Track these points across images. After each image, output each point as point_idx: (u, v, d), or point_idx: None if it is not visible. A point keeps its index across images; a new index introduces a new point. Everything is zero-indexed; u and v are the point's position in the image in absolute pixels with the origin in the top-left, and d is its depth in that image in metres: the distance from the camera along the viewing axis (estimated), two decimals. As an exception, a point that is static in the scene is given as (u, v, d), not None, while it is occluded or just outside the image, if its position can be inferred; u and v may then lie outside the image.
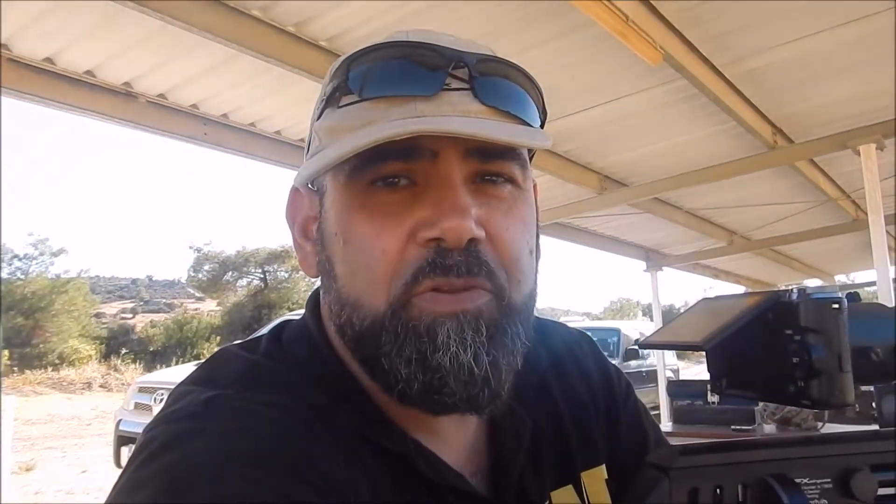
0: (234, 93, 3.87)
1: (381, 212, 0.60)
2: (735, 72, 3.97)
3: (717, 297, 0.55)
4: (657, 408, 10.57)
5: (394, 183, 0.60)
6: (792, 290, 0.46)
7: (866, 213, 4.85)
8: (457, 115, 0.59)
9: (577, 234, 7.48)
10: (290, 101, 3.92)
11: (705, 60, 3.77)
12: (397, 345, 0.59)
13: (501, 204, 0.63)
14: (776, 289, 0.48)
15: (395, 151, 0.58)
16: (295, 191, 0.72)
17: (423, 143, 0.59)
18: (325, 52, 3.37)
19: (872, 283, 6.05)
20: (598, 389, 0.81)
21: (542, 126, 0.67)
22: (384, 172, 0.60)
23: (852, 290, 0.52)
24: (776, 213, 7.08)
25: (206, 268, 29.99)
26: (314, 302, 0.72)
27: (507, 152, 0.63)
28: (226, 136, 4.23)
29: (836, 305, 0.46)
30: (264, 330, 0.84)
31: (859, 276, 15.43)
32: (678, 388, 4.51)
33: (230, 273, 29.92)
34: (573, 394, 0.78)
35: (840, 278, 14.75)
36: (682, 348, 0.49)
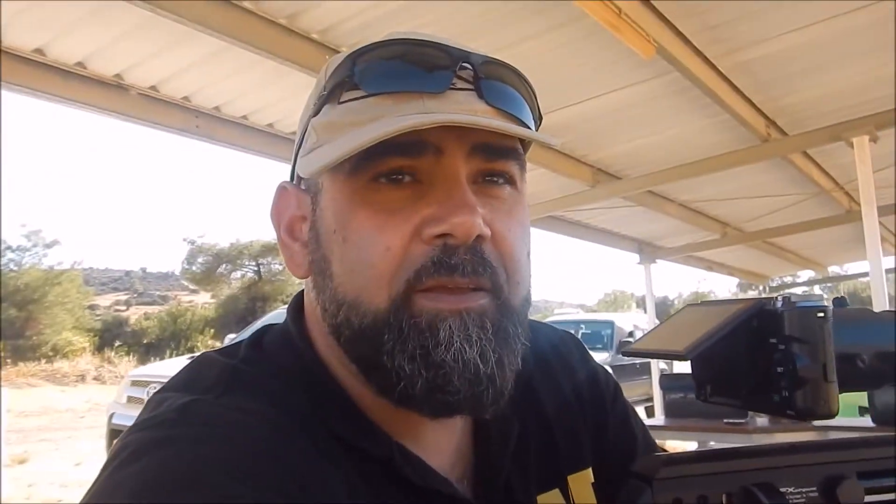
0: (225, 85, 3.85)
1: (386, 208, 0.59)
2: (728, 64, 3.96)
3: (703, 304, 0.55)
4: (650, 399, 10.63)
5: (397, 179, 0.60)
6: (776, 297, 0.46)
7: (859, 205, 4.87)
8: (465, 113, 0.59)
9: (571, 227, 7.48)
10: (282, 93, 3.90)
11: (698, 53, 3.76)
12: (400, 341, 0.58)
13: (502, 205, 0.63)
14: (761, 296, 0.48)
15: (400, 147, 0.58)
16: (282, 189, 0.71)
17: (428, 139, 0.58)
18: (316, 44, 3.36)
19: (865, 274, 6.09)
20: (584, 391, 0.80)
21: (537, 128, 0.68)
22: (388, 168, 0.59)
23: (839, 296, 0.51)
24: (769, 205, 7.09)
25: (200, 260, 29.94)
26: (296, 306, 0.71)
27: (511, 152, 0.63)
28: (218, 129, 4.22)
29: (821, 314, 0.46)
30: (254, 326, 0.82)
31: (852, 267, 15.49)
32: (671, 382, 4.51)
33: (224, 265, 29.87)
34: (559, 395, 0.78)
35: (834, 269, 14.82)
36: (665, 357, 0.49)
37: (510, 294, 0.61)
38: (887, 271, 7.91)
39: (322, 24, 3.28)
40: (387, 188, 0.60)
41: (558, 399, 0.78)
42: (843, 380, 0.48)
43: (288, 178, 0.73)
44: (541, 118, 0.68)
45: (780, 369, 0.45)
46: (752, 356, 0.48)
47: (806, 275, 16.48)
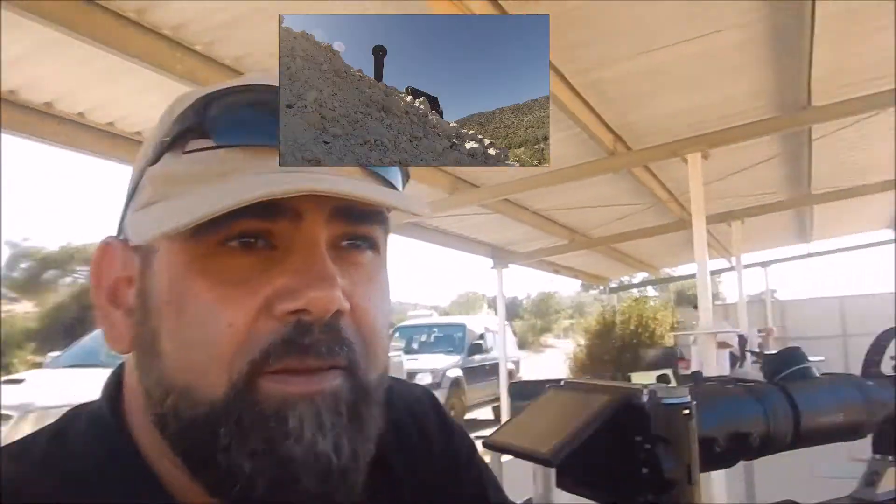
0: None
1: (232, 278, 0.51)
2: (581, 81, 4.14)
3: (567, 386, 0.52)
4: (498, 399, 11.03)
5: (249, 244, 0.52)
6: (642, 391, 0.44)
7: (691, 214, 5.28)
8: (327, 173, 0.52)
9: (428, 233, 7.53)
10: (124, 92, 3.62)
11: (555, 70, 3.90)
12: (240, 435, 0.50)
13: (363, 272, 0.56)
14: (628, 386, 0.46)
15: (251, 209, 0.48)
16: (105, 246, 0.60)
17: (285, 203, 0.50)
18: (167, 40, 3.10)
19: (693, 276, 6.70)
20: (440, 454, 0.77)
21: (403, 186, 0.61)
22: (238, 231, 0.51)
23: (697, 370, 0.51)
24: (613, 214, 7.53)
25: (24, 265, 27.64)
26: (114, 386, 0.61)
27: (375, 215, 0.57)
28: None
29: (686, 411, 0.45)
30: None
31: (681, 269, 16.82)
32: (520, 389, 4.65)
33: (50, 272, 27.75)
34: (416, 468, 0.73)
35: (665, 271, 15.99)
36: (530, 460, 0.46)
37: (367, 369, 0.55)
38: (712, 273, 8.73)
39: (175, 21, 3.04)
40: (234, 254, 0.52)
41: (416, 472, 0.73)
42: (700, 463, 0.47)
43: (115, 233, 0.62)
44: (408, 175, 0.62)
45: (645, 470, 0.44)
46: (616, 452, 0.46)
47: (641, 276, 17.68)
